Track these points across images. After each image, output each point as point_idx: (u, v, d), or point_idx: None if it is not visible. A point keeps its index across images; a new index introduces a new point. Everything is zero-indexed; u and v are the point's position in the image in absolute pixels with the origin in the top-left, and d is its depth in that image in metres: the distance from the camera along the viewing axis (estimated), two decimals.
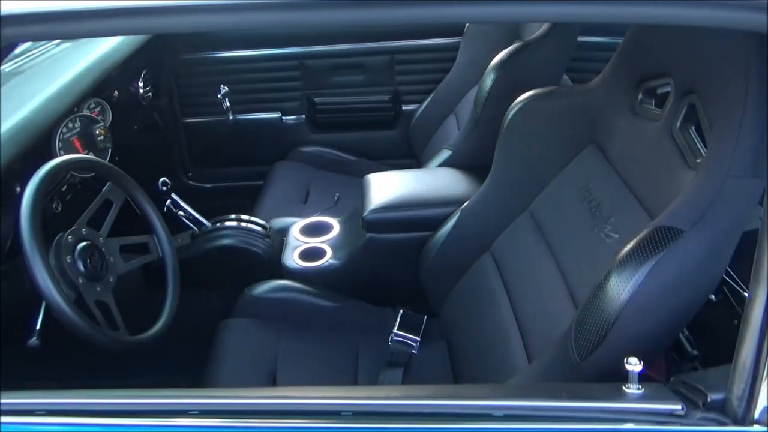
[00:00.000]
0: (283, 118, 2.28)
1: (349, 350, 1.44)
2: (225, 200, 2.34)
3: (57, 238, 1.16)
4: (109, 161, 1.74)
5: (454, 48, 2.10)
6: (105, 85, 1.68)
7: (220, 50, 2.22)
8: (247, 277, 1.58)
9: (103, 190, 1.28)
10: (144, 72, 2.04)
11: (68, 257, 1.15)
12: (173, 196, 1.59)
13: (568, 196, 1.14)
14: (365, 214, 1.49)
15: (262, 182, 2.16)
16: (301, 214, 1.89)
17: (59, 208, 1.42)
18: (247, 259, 1.60)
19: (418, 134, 2.16)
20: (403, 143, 2.26)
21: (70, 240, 1.17)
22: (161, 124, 2.27)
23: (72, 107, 1.45)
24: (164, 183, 1.58)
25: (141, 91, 2.03)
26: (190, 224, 1.62)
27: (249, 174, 2.34)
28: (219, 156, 2.36)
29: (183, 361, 1.68)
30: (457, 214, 1.39)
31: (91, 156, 1.26)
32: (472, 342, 1.33)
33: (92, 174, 1.37)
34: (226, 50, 2.22)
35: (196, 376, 1.39)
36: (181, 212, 1.61)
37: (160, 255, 1.34)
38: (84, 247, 1.18)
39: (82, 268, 1.16)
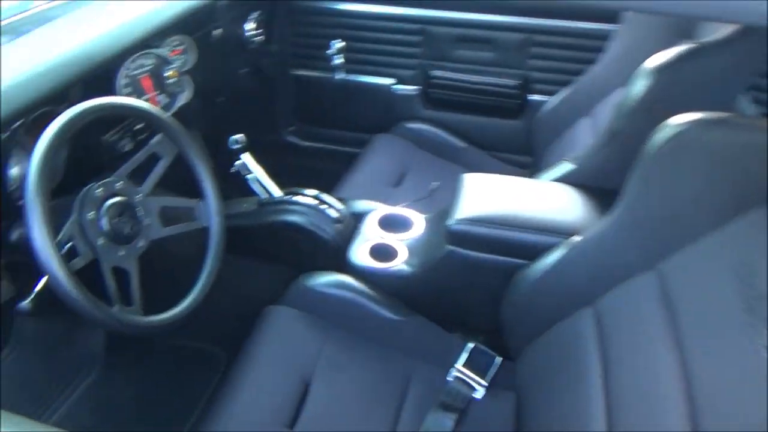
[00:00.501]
0: (395, 86, 2.05)
1: (399, 375, 1.22)
2: (321, 161, 2.19)
3: (85, 189, 1.03)
4: (195, 106, 1.61)
5: (605, 36, 1.75)
6: (200, 22, 1.53)
7: (340, 0, 2.01)
8: (307, 262, 1.40)
9: (151, 141, 1.13)
10: (257, 13, 1.88)
11: (91, 212, 1.01)
12: (244, 156, 1.42)
13: (718, 269, 0.83)
14: (450, 222, 1.24)
15: (359, 151, 1.97)
16: (388, 200, 1.67)
17: (126, 148, 1.30)
18: (311, 243, 1.41)
19: (541, 131, 1.85)
20: (522, 137, 1.96)
21: (98, 193, 1.03)
22: (269, 72, 2.12)
23: (147, 41, 1.30)
24: (236, 141, 1.41)
25: (250, 33, 1.88)
26: (258, 190, 1.46)
27: (349, 140, 2.15)
28: (322, 115, 2.19)
29: (223, 333, 1.56)
30: (564, 249, 1.11)
31: (132, 101, 1.09)
32: (546, 410, 1.06)
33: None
34: (346, 1, 2.00)
35: (234, 355, 1.24)
36: (251, 175, 1.44)
37: (206, 225, 1.18)
38: (114, 203, 1.04)
39: (105, 226, 1.02)
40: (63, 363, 1.54)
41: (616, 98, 1.52)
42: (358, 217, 1.48)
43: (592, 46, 1.81)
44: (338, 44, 2.02)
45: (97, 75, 1.20)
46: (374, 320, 1.29)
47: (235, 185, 1.94)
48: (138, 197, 1.09)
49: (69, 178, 1.21)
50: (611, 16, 1.75)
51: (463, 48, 1.95)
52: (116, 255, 1.04)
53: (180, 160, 1.16)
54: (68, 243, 0.98)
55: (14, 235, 1.09)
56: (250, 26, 1.89)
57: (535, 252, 1.18)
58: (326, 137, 2.19)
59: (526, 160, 1.96)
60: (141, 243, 1.08)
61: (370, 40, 2.02)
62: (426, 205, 1.60)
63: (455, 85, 1.97)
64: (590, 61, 1.76)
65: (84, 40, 1.20)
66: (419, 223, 1.45)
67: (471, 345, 1.25)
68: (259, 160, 2.00)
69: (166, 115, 1.12)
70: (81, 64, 1.14)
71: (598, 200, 1.27)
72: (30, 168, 0.91)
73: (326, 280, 1.32)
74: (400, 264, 1.34)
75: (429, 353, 1.27)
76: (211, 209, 1.18)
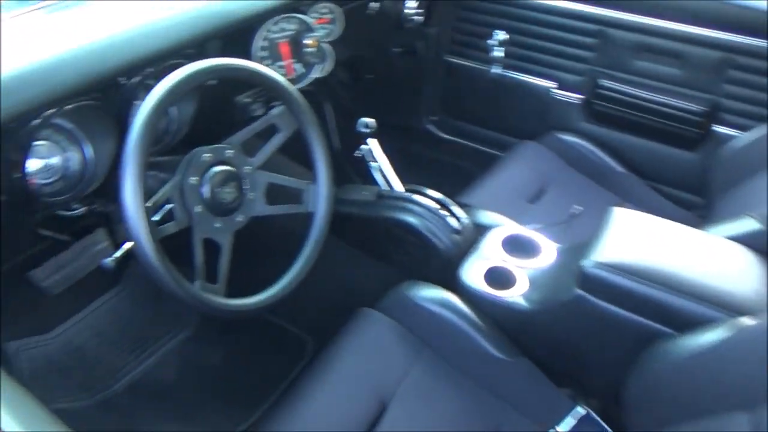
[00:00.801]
0: (554, 91, 1.83)
1: (488, 420, 1.07)
2: (457, 158, 2.04)
3: (192, 151, 0.96)
4: (333, 81, 1.53)
5: None
6: None
7: None
8: (415, 268, 1.27)
9: (272, 112, 1.04)
10: None
11: (194, 177, 0.95)
12: (371, 142, 1.31)
13: None
14: (587, 262, 1.04)
15: (501, 154, 1.79)
16: (519, 217, 1.49)
17: (257, 112, 1.24)
18: (423, 249, 1.27)
19: (723, 171, 1.54)
20: (695, 173, 1.66)
21: (205, 157, 0.96)
22: (422, 55, 2.00)
23: (293, 5, 1.22)
24: (367, 125, 1.30)
25: (409, 11, 1.77)
26: (382, 180, 1.34)
27: (491, 140, 1.97)
28: (468, 109, 2.03)
29: (314, 321, 1.48)
30: (728, 330, 0.87)
31: (255, 65, 1.01)
32: None
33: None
34: None
35: (320, 345, 1.17)
36: (375, 163, 1.32)
37: (312, 210, 1.08)
38: (220, 171, 0.97)
39: (206, 194, 0.95)
40: (164, 313, 1.55)
41: None
42: (480, 230, 1.32)
43: None
44: (501, 35, 1.84)
45: (235, 33, 1.14)
46: (474, 352, 1.13)
47: (357, 170, 1.85)
48: (247, 169, 1.01)
49: (195, 133, 1.17)
50: None
51: (643, 59, 1.69)
52: (211, 226, 0.97)
53: (298, 137, 1.07)
54: (165, 205, 0.93)
55: None
56: (411, 4, 1.77)
57: (686, 322, 0.95)
58: (467, 133, 2.02)
59: (695, 200, 1.66)
60: (240, 218, 1.01)
61: (536, 36, 1.82)
62: (562, 232, 1.40)
63: (626, 100, 1.71)
64: None
65: None
66: (549, 252, 1.25)
67: (581, 410, 1.05)
68: (391, 144, 1.90)
69: (291, 87, 1.03)
70: (219, 19, 1.08)
71: None
72: (135, 120, 0.86)
73: (430, 294, 1.18)
74: (517, 295, 1.16)
75: (528, 405, 1.09)
76: (320, 195, 1.08)
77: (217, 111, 1.25)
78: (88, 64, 0.94)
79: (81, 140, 1.07)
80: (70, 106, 0.93)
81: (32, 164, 1.02)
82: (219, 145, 0.98)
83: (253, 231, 1.03)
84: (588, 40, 1.74)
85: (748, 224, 1.10)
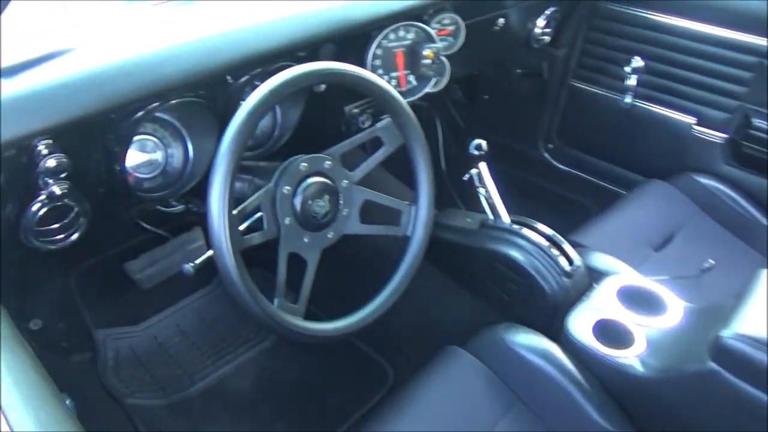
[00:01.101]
0: (695, 127, 1.62)
1: None
2: (573, 192, 1.87)
3: (290, 160, 0.90)
4: (446, 97, 1.44)
5: None
6: (483, 5, 1.33)
7: (654, 9, 1.64)
8: (515, 309, 1.15)
9: (377, 125, 0.96)
10: (552, 10, 1.63)
11: (287, 187, 0.89)
12: (481, 166, 1.20)
13: None
14: (725, 331, 0.87)
15: (624, 192, 1.62)
16: (641, 265, 1.32)
17: (366, 124, 1.17)
18: (527, 290, 1.14)
19: None
20: None
21: (302, 167, 0.90)
22: (546, 78, 1.87)
23: (415, 12, 1.14)
24: (479, 146, 1.19)
25: (537, 30, 1.65)
26: (488, 208, 1.22)
27: (615, 176, 1.79)
28: (592, 140, 1.86)
29: (398, 350, 1.38)
30: None
31: (361, 72, 0.93)
32: None
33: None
34: (662, 11, 1.63)
35: (402, 378, 1.09)
36: (482, 189, 1.21)
37: (408, 234, 0.99)
38: (315, 183, 0.90)
39: (298, 205, 0.89)
40: (248, 320, 1.53)
41: None
42: (593, 276, 1.17)
43: None
44: (636, 62, 1.66)
45: (351, 38, 1.08)
46: (574, 415, 0.98)
47: (462, 194, 1.74)
48: (344, 183, 0.94)
49: (299, 141, 1.12)
50: None
51: None
52: (300, 240, 0.90)
53: (402, 153, 0.99)
54: (254, 214, 0.88)
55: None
56: (540, 23, 1.65)
57: None
58: (587, 165, 1.85)
59: None
60: (331, 234, 0.94)
61: (677, 64, 1.62)
62: (690, 288, 1.21)
63: None
64: None
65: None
66: (675, 310, 1.08)
67: None
68: (502, 170, 1.77)
69: (400, 98, 0.95)
70: (335, 22, 1.03)
71: None
72: (233, 120, 0.81)
73: (529, 340, 1.05)
74: (631, 356, 1.00)
75: None
76: (420, 218, 0.98)
77: (323, 119, 1.20)
78: (196, 60, 0.92)
79: (184, 137, 1.05)
80: (174, 101, 0.90)
81: (134, 158, 1.01)
82: (318, 155, 0.92)
83: (342, 248, 0.96)
84: (742, 73, 1.53)
85: None
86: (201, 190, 1.04)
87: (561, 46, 1.79)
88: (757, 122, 1.51)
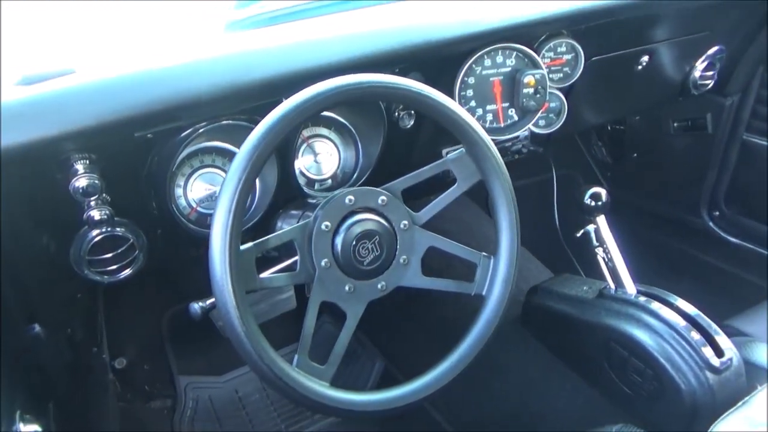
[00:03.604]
0: None
1: None
2: (742, 269, 1.52)
3: (336, 192, 0.77)
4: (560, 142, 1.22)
5: None
6: (612, 39, 1.12)
7: None
8: (638, 406, 0.88)
9: (447, 156, 0.79)
10: (715, 49, 1.36)
11: (326, 222, 0.74)
12: (599, 220, 0.96)
13: None
14: None
15: None
16: None
17: None
18: (654, 383, 0.87)
19: None
20: None
21: (348, 201, 0.76)
22: (711, 132, 1.56)
23: (517, 34, 0.96)
24: (595, 196, 0.96)
25: (698, 73, 1.38)
26: (607, 273, 0.98)
27: None
28: None
29: None
30: None
31: (422, 88, 0.76)
32: None
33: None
34: None
35: None
36: (600, 250, 0.97)
37: (483, 293, 0.79)
38: (364, 220, 0.75)
39: (340, 245, 0.74)
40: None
41: None
42: (755, 374, 0.86)
43: None
44: None
45: (438, 63, 0.94)
46: None
47: (583, 258, 1.48)
48: (403, 224, 0.78)
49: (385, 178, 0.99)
50: None
51: None
52: (339, 288, 0.75)
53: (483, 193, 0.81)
54: (280, 249, 0.75)
55: (277, 225, 0.93)
56: (700, 65, 1.38)
57: None
58: (764, 238, 1.49)
59: None
60: (382, 284, 0.78)
61: None
62: None
63: None
64: None
65: (428, 15, 0.94)
66: None
67: None
68: (655, 241, 1.48)
69: (474, 124, 0.77)
70: (411, 40, 0.89)
71: None
72: (246, 139, 0.69)
73: None
74: None
75: None
76: (499, 274, 0.78)
77: (415, 161, 1.06)
78: (239, 74, 0.82)
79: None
80: (225, 122, 0.83)
81: (196, 191, 0.95)
82: (370, 188, 0.77)
83: (394, 303, 0.79)
84: None
85: None
86: (268, 227, 0.95)
87: (730, 94, 1.49)
88: None
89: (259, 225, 0.93)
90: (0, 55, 0.92)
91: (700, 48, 1.35)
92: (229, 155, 0.92)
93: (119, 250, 0.87)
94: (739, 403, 0.82)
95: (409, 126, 0.99)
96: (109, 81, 0.74)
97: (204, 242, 0.91)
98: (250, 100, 0.81)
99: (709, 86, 1.41)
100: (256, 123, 0.75)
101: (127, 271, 0.89)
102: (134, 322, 1.34)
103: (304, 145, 0.99)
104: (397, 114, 0.97)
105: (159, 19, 1.11)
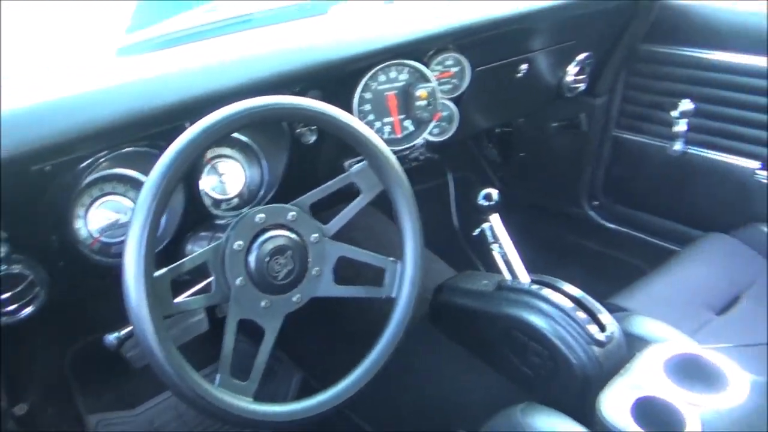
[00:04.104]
0: (759, 172, 1.41)
1: None
2: (622, 252, 1.69)
3: (246, 211, 0.79)
4: (456, 147, 1.31)
5: None
6: (493, 51, 1.22)
7: (701, 47, 1.48)
8: (536, 385, 0.96)
9: (351, 170, 0.84)
10: (585, 55, 1.50)
11: (239, 242, 0.77)
12: (493, 218, 1.05)
13: None
14: None
15: (678, 249, 1.41)
16: (699, 331, 1.12)
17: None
18: (550, 362, 0.96)
19: None
20: None
21: (259, 219, 0.79)
22: (586, 129, 1.72)
23: (405, 50, 1.04)
24: (488, 196, 1.05)
25: (570, 78, 1.52)
26: (503, 267, 1.07)
27: (668, 233, 1.59)
28: (641, 194, 1.67)
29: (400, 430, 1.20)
30: None
31: (312, 103, 0.80)
32: None
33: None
34: (709, 48, 1.46)
35: None
36: (496, 246, 1.06)
37: (393, 295, 0.85)
38: (276, 236, 0.78)
39: (253, 263, 0.77)
40: None
41: None
42: (634, 344, 0.97)
43: None
44: (685, 105, 1.49)
45: (337, 82, 0.99)
46: None
47: (482, 255, 1.58)
48: (313, 237, 0.82)
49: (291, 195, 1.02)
50: None
51: None
52: (255, 304, 0.78)
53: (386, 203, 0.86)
54: (199, 274, 0.77)
55: (187, 248, 0.94)
56: (572, 70, 1.52)
57: None
58: (638, 223, 1.66)
59: None
60: (297, 297, 0.81)
61: (733, 104, 1.44)
62: (761, 357, 0.99)
63: None
64: None
65: (330, 37, 0.99)
66: (740, 385, 0.86)
67: None
68: (543, 232, 1.59)
69: (374, 138, 0.83)
70: (311, 63, 0.93)
71: None
72: (156, 164, 0.70)
73: (552, 425, 0.87)
74: None
75: None
76: (406, 276, 0.84)
77: (319, 175, 1.10)
78: (141, 101, 0.83)
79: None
80: (127, 150, 0.83)
81: (97, 220, 0.93)
82: (279, 205, 0.81)
83: (310, 314, 0.82)
84: None
85: None
86: (177, 251, 0.95)
87: (599, 95, 1.65)
88: None
89: (168, 249, 0.93)
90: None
91: (570, 55, 1.49)
92: (131, 182, 0.92)
93: (18, 289, 0.84)
94: (621, 371, 0.93)
95: (311, 141, 1.03)
96: (3, 116, 0.73)
97: (109, 272, 0.90)
98: (152, 126, 0.81)
99: (581, 89, 1.56)
100: (160, 148, 0.76)
101: (28, 310, 0.86)
102: (35, 363, 1.28)
103: (208, 166, 1.00)
104: (299, 131, 1.01)
105: (45, 46, 1.08)
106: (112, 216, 0.94)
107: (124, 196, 0.94)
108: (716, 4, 1.48)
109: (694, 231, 1.47)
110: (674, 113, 1.51)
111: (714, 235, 1.38)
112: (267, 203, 1.04)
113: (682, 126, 1.51)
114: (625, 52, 1.58)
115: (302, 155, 1.04)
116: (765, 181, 1.40)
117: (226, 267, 0.76)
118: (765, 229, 1.35)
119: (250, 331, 0.79)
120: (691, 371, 0.90)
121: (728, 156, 1.47)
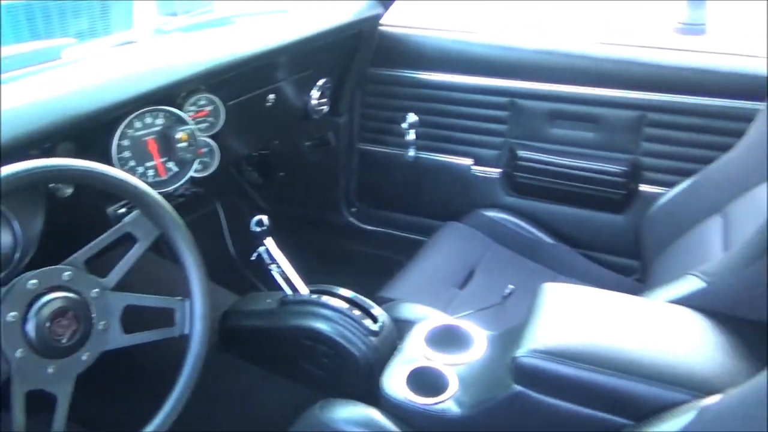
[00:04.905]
0: (474, 168, 1.74)
1: None
2: (383, 249, 1.89)
3: (14, 280, 0.77)
4: (222, 178, 1.38)
5: (745, 117, 1.36)
6: (241, 87, 1.32)
7: (417, 69, 1.76)
8: (330, 383, 1.08)
9: (125, 220, 0.87)
10: (323, 81, 1.67)
11: (12, 313, 0.75)
12: (267, 242, 1.15)
13: None
14: (520, 353, 0.88)
15: (425, 239, 1.66)
16: (448, 305, 1.34)
17: None
18: (337, 359, 1.09)
19: (654, 231, 1.45)
20: (627, 236, 1.56)
21: (31, 285, 0.77)
22: (334, 145, 1.90)
23: (159, 96, 1.08)
24: (260, 222, 1.14)
25: (314, 102, 1.67)
26: (284, 284, 1.17)
27: (415, 226, 1.85)
28: (388, 197, 1.91)
29: None
30: (692, 413, 0.72)
31: (85, 164, 0.82)
32: None
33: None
34: (423, 70, 1.75)
35: None
36: (274, 266, 1.16)
37: (186, 332, 0.89)
38: (53, 300, 0.77)
39: (32, 332, 0.75)
40: None
41: (762, 196, 1.13)
42: (402, 328, 1.15)
43: (725, 129, 1.43)
44: (411, 117, 1.76)
45: (90, 132, 0.99)
46: None
47: (263, 277, 1.68)
48: (94, 293, 0.82)
49: (55, 255, 0.98)
50: (755, 91, 1.37)
51: (559, 126, 1.63)
52: (42, 373, 0.76)
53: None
54: None
55: None
56: (315, 94, 1.68)
57: (644, 410, 0.79)
58: (390, 221, 1.90)
59: (632, 264, 1.56)
60: (86, 356, 0.80)
61: (446, 114, 1.75)
62: (495, 316, 1.25)
63: (546, 168, 1.63)
64: (722, 147, 1.37)
65: (78, 86, 0.99)
66: (480, 342, 1.09)
67: None
68: (311, 243, 1.71)
69: (143, 187, 0.86)
70: (65, 113, 0.92)
71: (745, 339, 0.86)
72: None
73: (348, 413, 0.99)
74: (446, 400, 0.98)
75: None
76: (196, 312, 0.89)
77: (85, 227, 1.07)
78: None
79: None
80: None
81: None
82: (52, 267, 0.79)
83: (109, 367, 0.83)
84: (500, 113, 1.68)
85: (691, 283, 0.97)
86: None
87: (341, 114, 1.85)
88: (522, 153, 1.65)
89: None
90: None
91: (311, 82, 1.65)
92: None
93: None
94: (395, 352, 1.10)
95: (67, 195, 1.01)
96: None
97: None
98: None
99: (325, 110, 1.73)
100: None
101: None
102: None
103: None
104: (53, 185, 0.98)
105: None
106: None
107: None
108: (425, 32, 1.78)
109: (435, 222, 1.73)
110: (404, 125, 1.77)
111: (449, 224, 1.66)
112: (28, 265, 0.99)
113: (411, 136, 1.77)
114: (357, 76, 1.80)
115: (60, 210, 1.01)
116: (480, 174, 1.72)
117: (2, 341, 0.73)
118: (484, 213, 1.67)
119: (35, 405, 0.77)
120: (446, 339, 1.10)
121: (450, 156, 1.77)
